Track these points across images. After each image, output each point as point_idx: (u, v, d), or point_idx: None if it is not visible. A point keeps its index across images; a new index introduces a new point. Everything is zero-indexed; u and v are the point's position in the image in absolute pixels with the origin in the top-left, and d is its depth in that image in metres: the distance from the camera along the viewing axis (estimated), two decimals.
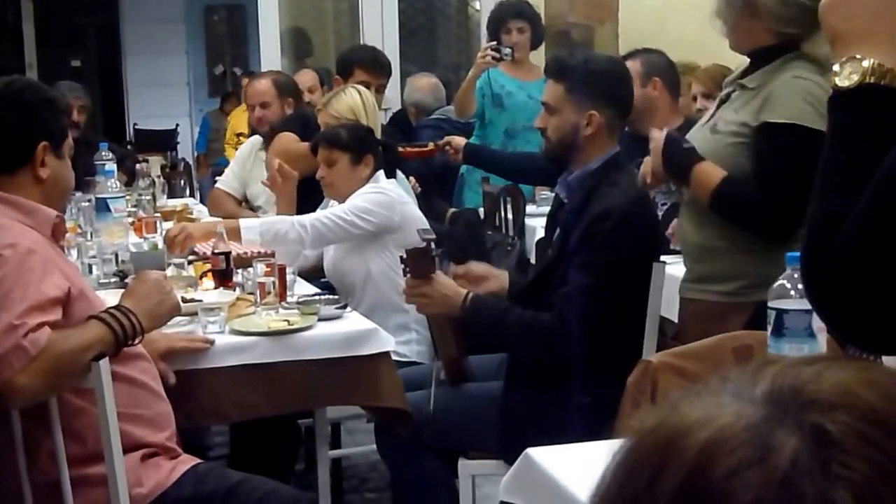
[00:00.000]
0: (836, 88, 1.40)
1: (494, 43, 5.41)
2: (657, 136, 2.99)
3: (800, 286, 1.64)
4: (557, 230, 3.11)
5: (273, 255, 3.47)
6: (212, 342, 2.91)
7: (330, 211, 3.91)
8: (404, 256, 3.02)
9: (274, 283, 3.21)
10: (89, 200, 4.38)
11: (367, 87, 4.72)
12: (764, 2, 2.74)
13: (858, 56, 1.37)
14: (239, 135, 7.86)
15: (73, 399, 2.46)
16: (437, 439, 3.17)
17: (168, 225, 4.29)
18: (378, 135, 4.26)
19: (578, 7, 7.75)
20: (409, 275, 3.02)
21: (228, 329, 3.00)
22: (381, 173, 3.96)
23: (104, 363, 2.36)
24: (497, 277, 3.27)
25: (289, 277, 3.37)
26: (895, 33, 1.38)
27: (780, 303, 1.92)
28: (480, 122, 5.60)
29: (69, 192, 3.01)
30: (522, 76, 5.60)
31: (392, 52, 6.99)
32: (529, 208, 5.13)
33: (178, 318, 2.90)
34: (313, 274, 4.06)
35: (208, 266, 3.50)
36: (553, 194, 3.45)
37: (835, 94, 1.40)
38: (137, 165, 5.78)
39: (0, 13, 13.26)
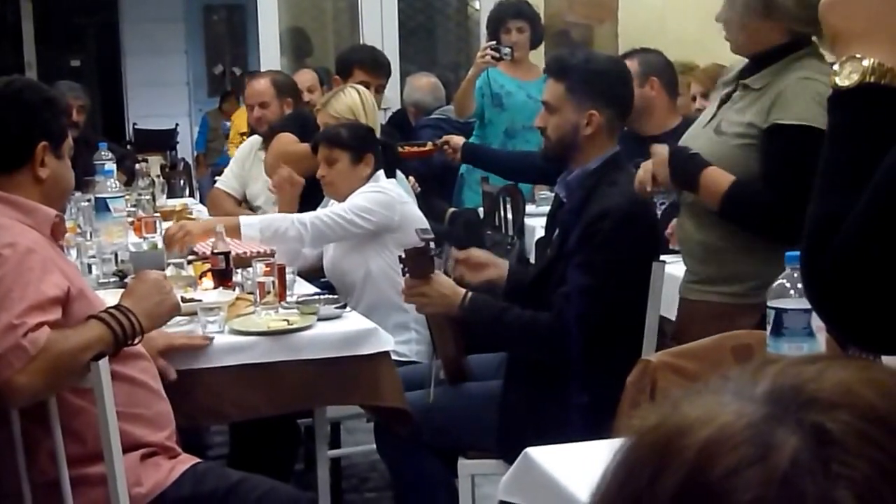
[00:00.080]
0: (836, 88, 1.40)
1: (494, 42, 5.41)
2: (660, 151, 2.93)
3: (799, 285, 1.64)
4: (557, 230, 3.11)
5: (272, 254, 3.47)
6: (211, 339, 2.92)
7: (330, 209, 3.91)
8: (403, 256, 3.02)
9: (273, 282, 3.21)
10: (89, 200, 4.38)
11: (367, 87, 4.72)
12: (783, 2, 2.71)
13: (858, 55, 1.37)
14: (242, 134, 7.85)
15: (72, 398, 2.46)
16: (436, 439, 3.17)
17: (168, 225, 4.29)
18: (377, 135, 4.26)
19: (578, 7, 7.75)
20: (407, 274, 3.02)
21: (228, 329, 3.00)
22: (381, 173, 3.96)
23: (103, 363, 2.36)
24: (496, 266, 3.27)
25: (288, 277, 3.37)
26: (895, 33, 1.38)
27: (780, 302, 1.92)
28: (480, 121, 5.60)
29: (69, 192, 3.01)
30: (522, 76, 5.60)
31: (391, 52, 6.99)
32: (529, 208, 5.13)
33: (177, 318, 2.90)
34: (313, 274, 4.06)
35: (208, 266, 3.50)
36: (552, 194, 3.45)
37: (835, 93, 1.40)
38: (137, 165, 5.78)
39: None
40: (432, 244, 3.04)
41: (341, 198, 3.92)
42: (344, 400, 3.17)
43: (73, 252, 3.76)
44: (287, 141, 4.71)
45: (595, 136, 3.03)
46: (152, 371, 2.66)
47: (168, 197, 5.61)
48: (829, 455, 0.61)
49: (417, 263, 2.99)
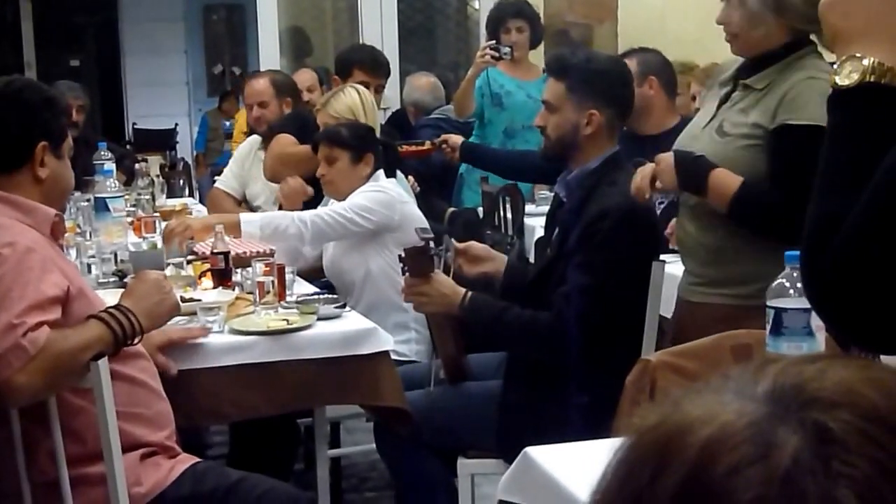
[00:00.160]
0: (836, 87, 1.39)
1: (493, 42, 5.41)
2: (665, 157, 2.89)
3: (799, 285, 1.64)
4: (556, 229, 3.11)
5: (272, 254, 3.47)
6: (209, 329, 2.92)
7: (331, 208, 3.91)
8: (403, 255, 3.02)
9: (273, 282, 3.21)
10: (88, 200, 4.38)
11: (366, 87, 4.71)
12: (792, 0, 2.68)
13: (858, 55, 1.37)
14: (246, 133, 7.86)
15: (72, 398, 2.46)
16: (436, 438, 3.17)
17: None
18: (377, 134, 4.27)
19: (577, 6, 7.76)
20: (407, 273, 3.02)
21: (227, 328, 3.00)
22: (380, 172, 3.96)
23: (103, 363, 2.36)
24: (494, 260, 3.27)
25: (288, 277, 3.37)
26: (895, 32, 1.38)
27: (779, 301, 1.91)
28: (479, 121, 5.60)
29: (68, 193, 3.01)
30: (521, 75, 5.59)
31: (391, 52, 6.98)
32: (528, 207, 5.13)
33: (177, 318, 2.90)
34: (313, 274, 4.06)
35: (207, 265, 3.50)
36: (552, 193, 3.45)
37: (835, 92, 1.40)
38: (136, 165, 5.78)
39: None
40: (432, 243, 3.04)
41: (341, 197, 3.92)
42: (344, 399, 3.17)
43: (73, 252, 3.76)
44: (285, 143, 4.70)
45: (595, 136, 3.03)
46: (152, 370, 2.66)
47: (167, 197, 5.61)
48: (831, 454, 0.61)
49: (417, 262, 2.99)
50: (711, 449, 0.62)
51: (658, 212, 3.51)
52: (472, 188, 5.53)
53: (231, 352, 2.92)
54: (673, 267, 3.07)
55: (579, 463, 1.80)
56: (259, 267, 3.23)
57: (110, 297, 2.88)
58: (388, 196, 3.87)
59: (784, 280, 1.92)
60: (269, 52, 7.40)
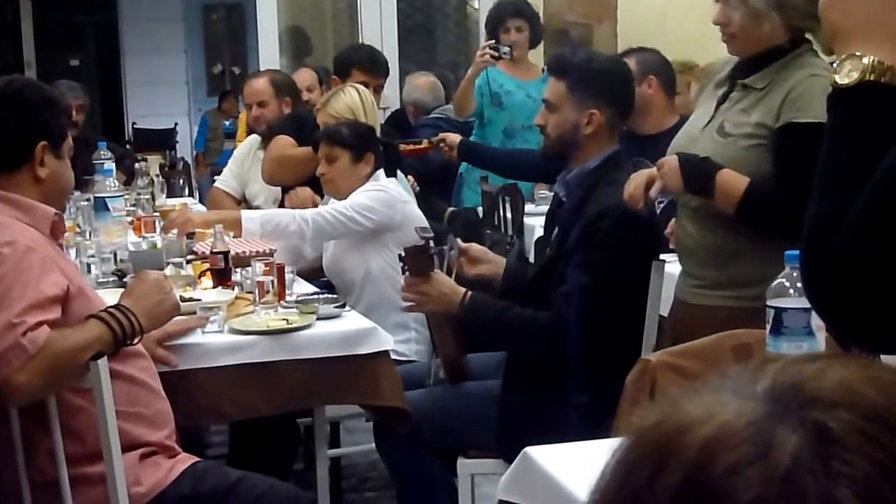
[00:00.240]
0: (835, 86, 1.39)
1: (493, 42, 5.41)
2: (669, 161, 2.87)
3: (799, 284, 1.64)
4: (556, 229, 3.11)
5: (272, 254, 3.47)
6: (207, 318, 2.92)
7: (332, 206, 3.91)
8: (403, 255, 3.02)
9: (272, 282, 3.21)
10: (88, 199, 4.38)
11: (365, 87, 4.71)
12: None
13: (858, 53, 1.37)
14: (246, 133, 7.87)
15: (71, 398, 2.46)
16: (436, 438, 3.17)
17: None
18: (377, 134, 4.27)
19: (577, 6, 7.76)
20: (407, 273, 3.02)
21: (227, 328, 3.00)
22: (381, 171, 3.96)
23: (103, 362, 2.36)
24: (493, 262, 3.27)
25: (287, 276, 3.37)
26: (895, 31, 1.38)
27: (779, 301, 1.91)
28: (479, 121, 5.60)
29: (68, 192, 3.01)
30: (521, 75, 5.59)
31: (390, 51, 6.99)
32: (528, 207, 5.12)
33: (177, 318, 2.89)
34: (313, 274, 4.06)
35: (207, 265, 3.50)
36: (551, 193, 3.45)
37: (834, 91, 1.40)
38: (136, 164, 5.77)
39: None
40: (432, 243, 3.05)
41: (341, 196, 3.92)
42: (343, 399, 3.17)
43: (73, 251, 3.76)
44: (284, 144, 4.70)
45: (595, 135, 3.03)
46: (151, 370, 2.65)
47: (167, 196, 5.60)
48: (830, 453, 0.60)
49: (417, 262, 2.99)
50: (711, 448, 0.62)
51: (658, 212, 3.51)
52: (472, 188, 5.53)
53: (231, 351, 2.92)
54: (673, 266, 3.06)
55: (579, 463, 1.79)
56: (259, 266, 3.23)
57: (110, 296, 2.88)
58: (389, 195, 3.87)
59: (784, 280, 1.92)
60: (269, 52, 7.40)
